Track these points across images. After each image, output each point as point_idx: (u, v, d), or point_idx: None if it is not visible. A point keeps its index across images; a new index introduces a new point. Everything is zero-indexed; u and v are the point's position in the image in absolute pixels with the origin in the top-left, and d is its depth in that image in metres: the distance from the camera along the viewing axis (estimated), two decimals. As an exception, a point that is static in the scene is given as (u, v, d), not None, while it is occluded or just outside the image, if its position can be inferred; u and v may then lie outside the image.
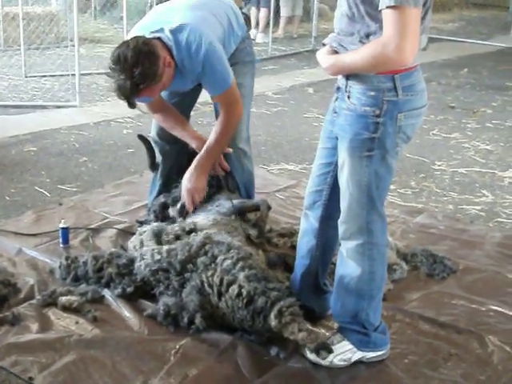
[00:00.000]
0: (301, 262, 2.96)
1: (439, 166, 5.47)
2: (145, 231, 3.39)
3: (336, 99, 2.60)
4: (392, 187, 4.91)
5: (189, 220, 3.50)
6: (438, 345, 2.93)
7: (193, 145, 3.62)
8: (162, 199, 3.79)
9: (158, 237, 3.28)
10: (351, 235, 2.63)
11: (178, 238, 3.24)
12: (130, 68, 3.01)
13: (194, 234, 3.24)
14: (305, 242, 2.90)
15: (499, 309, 3.23)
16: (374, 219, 2.59)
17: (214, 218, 3.43)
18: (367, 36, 2.36)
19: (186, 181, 3.48)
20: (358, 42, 2.39)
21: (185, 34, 3.22)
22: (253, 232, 3.46)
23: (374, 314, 2.73)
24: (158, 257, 3.10)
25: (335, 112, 2.60)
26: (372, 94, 2.42)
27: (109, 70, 3.08)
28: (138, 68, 3.01)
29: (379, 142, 2.46)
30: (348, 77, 2.50)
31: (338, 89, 2.59)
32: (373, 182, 2.52)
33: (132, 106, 3.14)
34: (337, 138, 2.60)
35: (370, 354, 2.77)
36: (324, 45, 2.57)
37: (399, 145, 2.52)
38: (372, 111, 2.43)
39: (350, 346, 2.75)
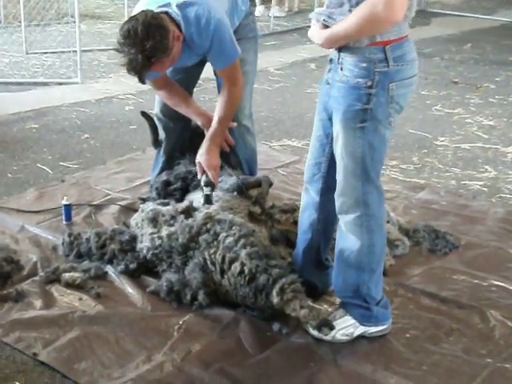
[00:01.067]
0: (303, 237, 2.96)
1: (442, 141, 5.45)
2: (148, 208, 3.38)
3: (329, 70, 2.62)
4: (394, 163, 4.90)
5: (187, 199, 3.50)
6: (439, 320, 2.94)
7: (198, 122, 3.61)
8: (164, 177, 3.78)
9: (155, 221, 3.24)
10: (348, 208, 2.64)
11: (174, 218, 3.21)
12: (140, 41, 2.98)
13: (193, 213, 3.23)
14: (306, 217, 2.90)
15: (501, 284, 3.24)
16: (370, 191, 2.61)
17: (216, 195, 3.43)
18: (357, 3, 2.38)
19: (203, 158, 3.42)
20: (347, 11, 2.41)
21: (193, 9, 3.20)
22: (255, 209, 3.46)
23: (375, 287, 2.74)
24: (158, 242, 3.10)
25: (328, 83, 2.62)
26: (364, 65, 2.45)
27: (118, 46, 3.05)
28: (149, 41, 2.98)
29: (372, 113, 2.48)
30: (340, 49, 2.52)
31: (331, 60, 2.60)
32: (367, 153, 2.54)
33: (142, 81, 3.12)
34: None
35: (372, 329, 2.78)
36: (311, 20, 2.57)
37: (392, 115, 2.54)
38: (364, 82, 2.45)
39: (353, 321, 2.76)
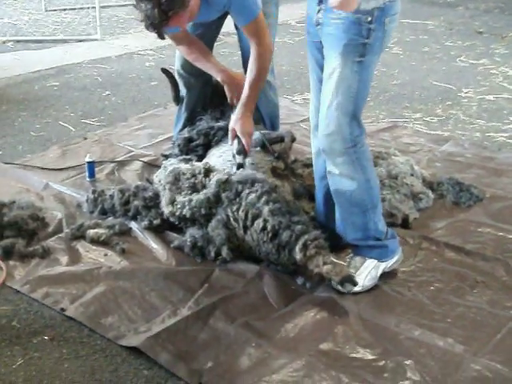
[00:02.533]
0: (320, 184, 2.96)
1: (466, 93, 5.37)
2: (168, 168, 3.36)
3: (318, 11, 2.62)
4: (418, 115, 4.85)
5: (209, 154, 3.49)
6: (464, 272, 2.94)
7: (218, 77, 3.57)
8: (186, 133, 3.78)
9: (176, 181, 3.21)
10: (338, 147, 2.66)
11: (194, 186, 3.18)
12: None
13: (211, 175, 3.20)
14: (321, 161, 2.89)
15: (526, 236, 3.22)
16: (356, 126, 2.65)
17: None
18: None
19: (237, 125, 3.32)
20: None
21: None
22: (278, 164, 3.44)
23: (379, 221, 2.80)
24: (180, 211, 3.10)
25: (318, 24, 2.63)
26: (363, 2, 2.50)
27: (134, 2, 3.00)
28: None
29: (370, 48, 2.56)
30: None
31: (321, 1, 2.60)
32: (361, 89, 2.61)
33: (161, 36, 3.06)
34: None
35: (390, 262, 2.84)
36: None
37: (383, 49, 2.64)
38: (365, 18, 2.50)
39: (373, 263, 2.80)
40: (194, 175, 3.18)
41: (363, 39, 2.53)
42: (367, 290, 2.78)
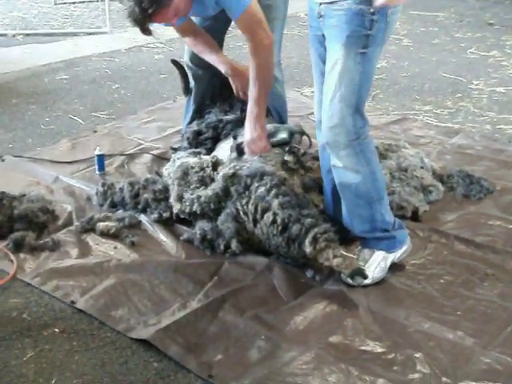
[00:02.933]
0: (328, 177, 2.96)
1: (476, 85, 5.35)
2: (176, 163, 3.37)
3: (320, 4, 2.61)
4: (428, 107, 4.83)
5: (215, 151, 3.48)
6: (474, 265, 2.93)
7: (221, 69, 3.55)
8: (195, 126, 3.77)
9: (185, 176, 3.22)
10: (342, 140, 2.65)
11: (203, 179, 3.18)
12: None
13: (219, 168, 3.21)
14: (327, 156, 2.88)
15: (537, 229, 3.20)
16: (359, 119, 2.65)
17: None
18: None
19: (245, 134, 3.19)
20: None
21: None
22: (289, 157, 3.43)
23: (386, 212, 2.80)
24: (189, 208, 3.10)
25: (320, 16, 2.63)
26: None
27: None
28: None
29: (373, 39, 2.55)
30: None
31: None
32: (364, 81, 2.60)
33: (145, 32, 3.04)
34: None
35: (399, 253, 2.84)
36: None
37: (385, 41, 2.63)
38: (367, 9, 2.49)
39: (382, 254, 2.80)
40: (202, 169, 3.19)
41: (366, 30, 2.52)
42: (377, 282, 2.78)
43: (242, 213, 2.93)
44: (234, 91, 3.59)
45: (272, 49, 3.21)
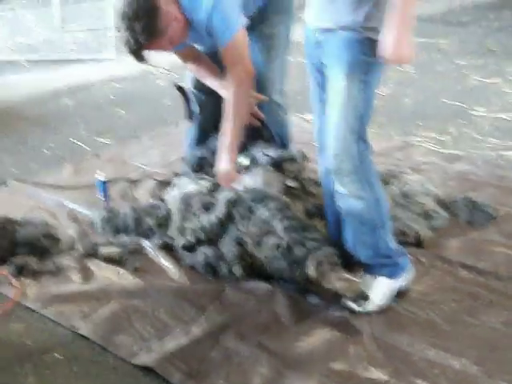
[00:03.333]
0: (331, 203, 2.96)
1: (479, 111, 5.36)
2: (181, 184, 3.38)
3: (318, 32, 2.63)
4: (430, 134, 4.84)
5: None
6: (477, 292, 2.91)
7: (223, 95, 3.57)
8: (198, 153, 3.77)
9: (188, 206, 3.23)
10: (346, 167, 2.65)
11: (205, 206, 3.18)
12: (130, 24, 2.92)
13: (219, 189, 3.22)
14: (329, 182, 2.89)
15: (541, 255, 3.19)
16: (362, 146, 2.65)
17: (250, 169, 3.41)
18: None
19: (219, 166, 3.27)
20: None
21: None
22: (293, 183, 3.45)
23: (389, 238, 2.79)
24: (194, 238, 3.10)
25: (319, 44, 2.65)
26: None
27: (116, 28, 3.03)
28: (138, 23, 2.90)
29: (374, 65, 2.56)
30: None
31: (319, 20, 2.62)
32: (367, 107, 2.61)
33: (140, 60, 3.06)
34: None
35: (401, 280, 2.83)
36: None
37: (385, 68, 2.62)
38: (367, 36, 2.49)
39: (385, 281, 2.79)
40: (202, 194, 3.19)
41: (367, 57, 2.53)
42: (380, 309, 2.76)
43: (244, 235, 2.92)
44: None
45: (251, 84, 3.24)
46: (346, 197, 2.71)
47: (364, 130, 2.65)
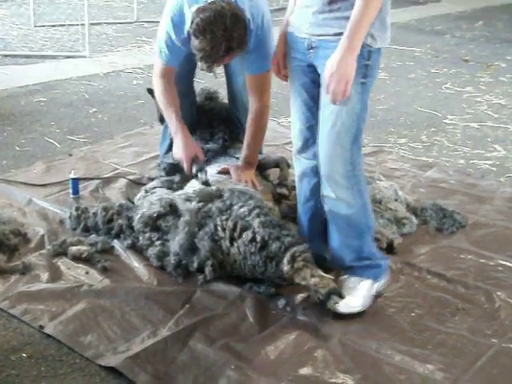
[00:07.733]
0: (305, 207, 2.97)
1: (451, 120, 5.42)
2: (152, 187, 3.38)
3: (311, 37, 2.65)
4: (403, 141, 4.88)
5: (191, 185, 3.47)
6: (445, 299, 2.94)
7: (172, 133, 3.51)
8: (171, 159, 3.70)
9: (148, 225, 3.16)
10: (339, 171, 2.68)
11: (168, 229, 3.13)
12: (228, 30, 2.96)
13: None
14: (306, 184, 2.91)
15: (508, 264, 3.23)
16: (356, 150, 2.69)
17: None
18: None
19: (237, 172, 3.45)
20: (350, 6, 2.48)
21: (246, 6, 3.12)
22: (282, 190, 3.52)
23: (373, 243, 2.87)
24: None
25: (311, 48, 2.66)
26: None
27: (195, 30, 2.97)
28: (235, 32, 2.98)
29: (371, 69, 2.62)
30: None
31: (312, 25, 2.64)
32: (363, 111, 2.66)
33: (211, 69, 3.08)
34: (315, 72, 2.70)
35: (382, 281, 2.88)
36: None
37: (377, 73, 2.71)
38: (365, 40, 2.53)
39: (369, 282, 2.82)
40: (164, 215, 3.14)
41: (365, 61, 2.57)
42: (348, 314, 2.77)
43: (220, 229, 2.90)
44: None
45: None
46: (335, 201, 2.73)
47: (359, 134, 2.68)
